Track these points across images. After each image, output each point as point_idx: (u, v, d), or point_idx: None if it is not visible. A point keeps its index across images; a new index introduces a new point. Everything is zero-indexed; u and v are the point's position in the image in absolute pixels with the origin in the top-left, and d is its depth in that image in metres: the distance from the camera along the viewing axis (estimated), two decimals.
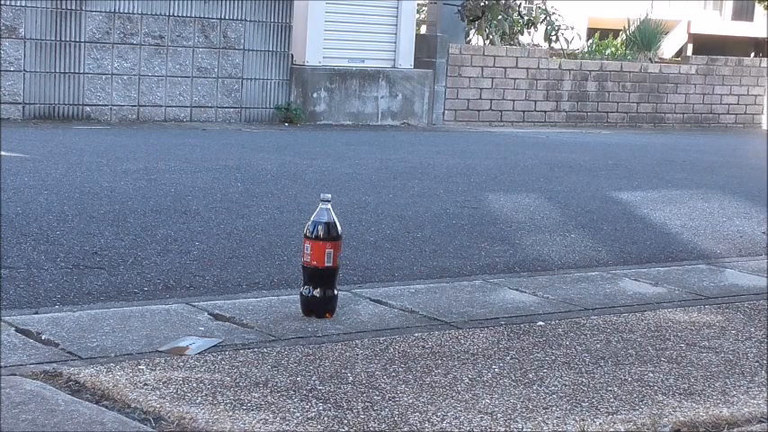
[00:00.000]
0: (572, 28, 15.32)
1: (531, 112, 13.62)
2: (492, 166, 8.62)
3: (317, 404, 2.62)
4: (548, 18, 14.99)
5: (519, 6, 14.77)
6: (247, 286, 4.13)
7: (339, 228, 3.49)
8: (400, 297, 3.84)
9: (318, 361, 2.97)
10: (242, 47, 11.20)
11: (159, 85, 10.75)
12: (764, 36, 20.90)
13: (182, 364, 2.87)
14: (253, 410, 2.55)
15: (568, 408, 2.70)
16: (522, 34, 15.02)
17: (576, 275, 4.45)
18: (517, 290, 4.09)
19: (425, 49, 12.74)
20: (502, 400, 2.74)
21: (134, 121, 10.60)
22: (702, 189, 7.95)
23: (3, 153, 7.37)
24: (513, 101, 13.47)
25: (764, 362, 3.23)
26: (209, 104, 11.08)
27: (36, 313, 3.40)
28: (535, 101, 13.66)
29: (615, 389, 2.88)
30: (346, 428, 2.48)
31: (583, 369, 3.05)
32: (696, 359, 3.22)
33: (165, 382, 2.71)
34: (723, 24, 26.78)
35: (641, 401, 2.79)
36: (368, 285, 4.15)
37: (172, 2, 10.76)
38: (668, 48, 20.71)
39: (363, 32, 12.16)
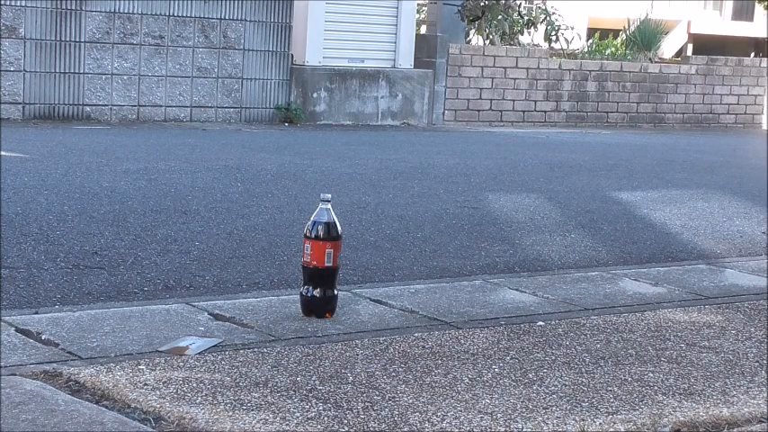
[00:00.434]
0: (572, 28, 15.32)
1: (531, 112, 13.62)
2: (492, 166, 8.62)
3: (316, 404, 2.62)
4: (548, 18, 14.99)
5: (519, 6, 14.77)
6: (247, 286, 4.13)
7: (339, 228, 3.49)
8: (400, 297, 3.84)
9: (318, 361, 2.97)
10: (242, 47, 11.20)
11: (159, 85, 10.75)
12: (764, 36, 20.90)
13: (182, 364, 2.87)
14: (253, 410, 2.55)
15: (568, 408, 2.70)
16: (522, 34, 15.02)
17: (576, 275, 4.45)
18: (517, 290, 4.09)
19: (425, 49, 12.74)
20: (502, 400, 2.74)
21: (134, 121, 10.60)
22: (702, 189, 7.95)
23: (3, 153, 7.36)
24: (513, 101, 13.47)
25: (764, 362, 3.23)
26: (209, 104, 11.08)
27: (36, 313, 3.40)
28: (535, 101, 13.66)
29: (615, 389, 2.88)
30: (346, 428, 2.48)
31: (583, 369, 3.05)
32: (696, 359, 3.22)
33: (165, 382, 2.71)
34: (723, 24, 26.78)
35: (641, 401, 2.79)
36: (368, 285, 4.15)
37: (172, 2, 10.76)
38: (668, 48, 20.71)
39: (363, 32, 12.16)
